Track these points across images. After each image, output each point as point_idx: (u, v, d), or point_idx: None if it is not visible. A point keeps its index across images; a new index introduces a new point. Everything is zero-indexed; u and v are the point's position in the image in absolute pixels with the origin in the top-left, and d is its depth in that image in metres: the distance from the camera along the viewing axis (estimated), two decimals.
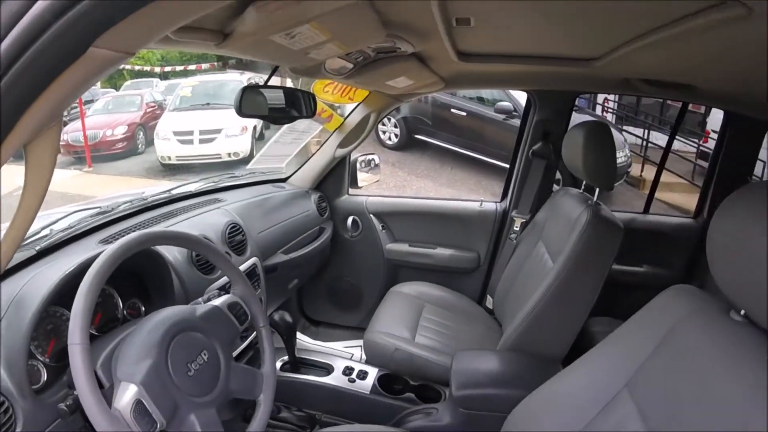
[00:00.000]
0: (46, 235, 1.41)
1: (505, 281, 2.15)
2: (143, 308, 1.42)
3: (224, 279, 1.60)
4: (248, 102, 1.59)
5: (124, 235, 1.22)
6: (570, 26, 1.29)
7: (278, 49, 1.14)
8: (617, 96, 9.48)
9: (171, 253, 1.49)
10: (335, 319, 2.81)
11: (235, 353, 1.61)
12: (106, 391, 0.96)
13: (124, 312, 1.37)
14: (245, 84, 1.58)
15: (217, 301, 1.25)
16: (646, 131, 8.45)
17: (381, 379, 1.78)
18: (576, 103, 2.46)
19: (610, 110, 9.99)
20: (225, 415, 1.34)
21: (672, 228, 2.44)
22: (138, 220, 1.65)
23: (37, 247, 1.34)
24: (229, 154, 8.35)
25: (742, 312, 0.86)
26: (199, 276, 1.57)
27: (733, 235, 0.82)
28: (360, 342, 2.03)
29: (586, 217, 1.61)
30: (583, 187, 1.90)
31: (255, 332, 1.35)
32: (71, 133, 9.44)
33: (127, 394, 0.96)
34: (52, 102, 0.62)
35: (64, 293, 1.12)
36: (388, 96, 2.31)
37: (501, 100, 6.92)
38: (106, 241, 1.45)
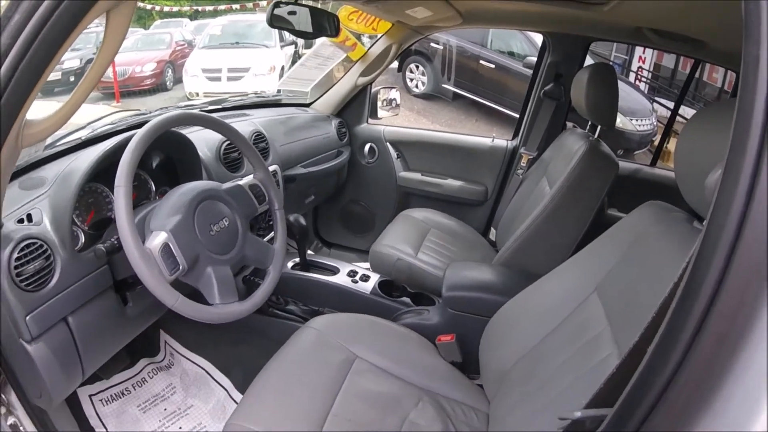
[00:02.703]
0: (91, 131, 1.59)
1: (508, 214, 2.26)
2: None
3: (248, 178, 1.76)
4: (278, 16, 1.76)
5: None
6: None
7: None
8: (652, 66, 9.23)
9: (201, 150, 1.65)
10: (347, 241, 2.96)
11: None
12: None
13: (156, 197, 1.54)
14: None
15: (241, 181, 1.43)
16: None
17: (381, 284, 1.90)
18: None
19: (644, 79, 9.59)
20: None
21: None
22: None
23: (83, 137, 1.51)
24: (256, 93, 8.37)
25: (705, 222, 0.93)
26: (226, 173, 1.74)
27: (697, 147, 0.87)
28: (369, 265, 2.16)
29: (584, 149, 1.71)
30: (588, 127, 2.00)
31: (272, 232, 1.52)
32: None
33: (157, 239, 1.14)
34: None
35: (104, 171, 1.29)
36: (409, 28, 2.39)
37: (530, 56, 6.71)
38: None
